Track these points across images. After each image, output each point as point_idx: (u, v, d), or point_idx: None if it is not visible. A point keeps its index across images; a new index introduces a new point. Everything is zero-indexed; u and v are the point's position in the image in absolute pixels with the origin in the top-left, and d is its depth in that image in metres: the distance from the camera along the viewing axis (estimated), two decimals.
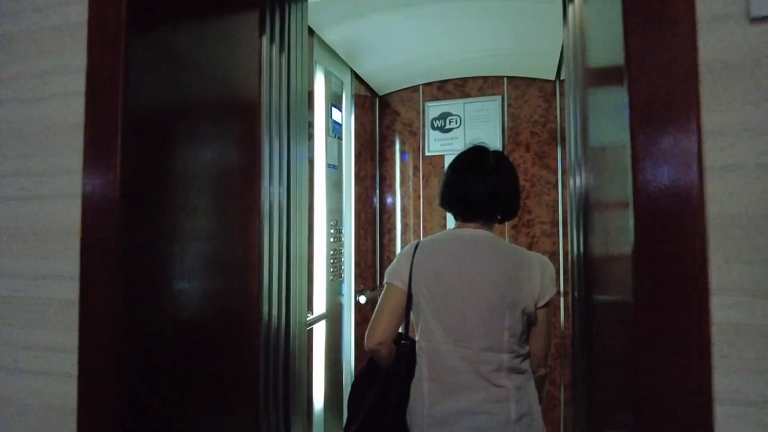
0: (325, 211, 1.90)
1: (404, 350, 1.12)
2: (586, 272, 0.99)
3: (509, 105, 2.46)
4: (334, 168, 2.01)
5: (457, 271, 1.06)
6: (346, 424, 1.18)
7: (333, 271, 1.95)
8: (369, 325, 1.13)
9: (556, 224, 2.35)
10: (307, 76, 1.34)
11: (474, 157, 1.15)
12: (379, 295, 2.48)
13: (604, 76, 0.78)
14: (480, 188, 1.10)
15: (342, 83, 2.13)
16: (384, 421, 1.10)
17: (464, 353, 1.02)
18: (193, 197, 0.87)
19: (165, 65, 0.80)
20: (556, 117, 2.38)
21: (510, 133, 2.45)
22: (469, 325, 1.03)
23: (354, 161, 2.23)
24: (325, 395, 1.86)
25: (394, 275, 1.13)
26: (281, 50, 1.15)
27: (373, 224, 2.55)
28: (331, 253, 1.93)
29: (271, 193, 1.17)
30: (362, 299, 2.19)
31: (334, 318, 1.97)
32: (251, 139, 1.10)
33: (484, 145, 1.20)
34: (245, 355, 1.06)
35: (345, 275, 2.11)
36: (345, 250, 2.12)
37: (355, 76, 2.30)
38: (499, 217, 1.17)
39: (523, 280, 1.05)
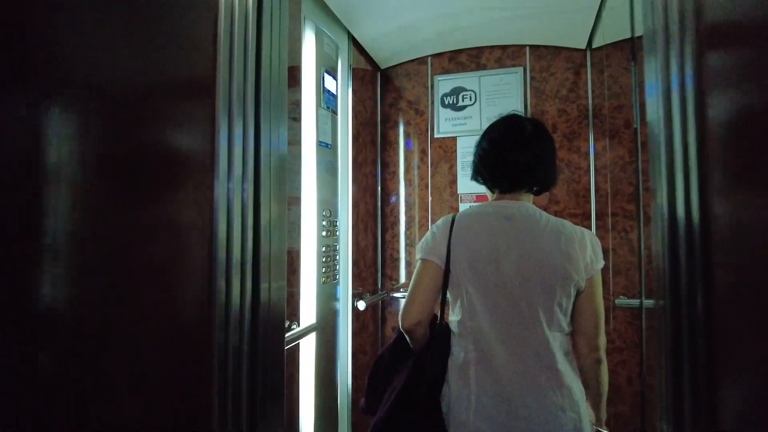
0: (315, 199, 1.56)
1: (439, 331, 1.07)
2: (708, 284, 0.66)
3: (532, 78, 2.12)
4: (327, 147, 1.66)
5: (503, 246, 1.01)
6: (368, 402, 1.14)
7: (325, 272, 1.61)
8: (403, 304, 1.06)
9: (588, 216, 2.01)
10: (287, 27, 0.99)
11: (510, 124, 1.10)
12: (380, 299, 2.13)
13: None
14: (519, 156, 1.05)
15: (337, 47, 1.79)
16: (415, 405, 1.03)
17: (513, 333, 0.97)
18: (108, 190, 0.54)
19: None
20: (587, 92, 2.04)
21: (533, 110, 2.11)
22: (519, 303, 0.98)
23: (352, 142, 1.89)
24: (315, 423, 1.52)
25: (430, 251, 1.06)
26: None
27: (373, 217, 2.21)
28: (323, 250, 1.59)
29: (231, 187, 0.84)
30: (361, 305, 1.85)
31: (326, 329, 1.63)
32: (203, 121, 0.78)
33: (518, 112, 1.16)
34: (191, 386, 0.73)
35: (340, 277, 1.76)
36: (340, 247, 1.78)
37: (354, 42, 1.96)
38: (536, 189, 1.12)
39: (573, 253, 0.98)
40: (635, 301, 1.88)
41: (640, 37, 1.91)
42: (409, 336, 1.06)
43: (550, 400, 0.93)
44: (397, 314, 2.25)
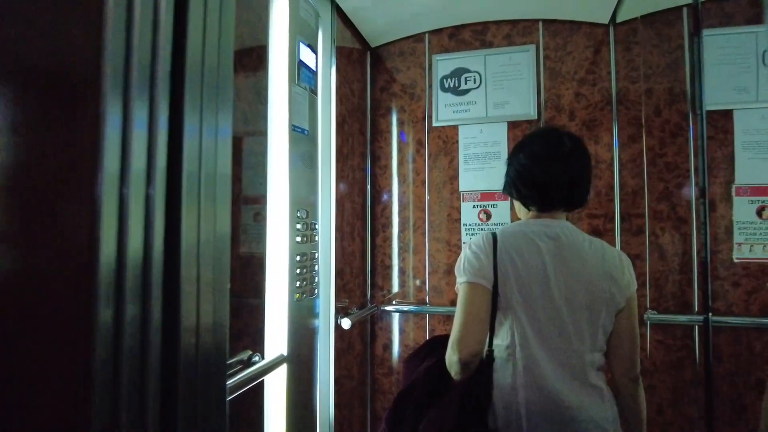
0: (287, 196, 1.26)
1: (488, 357, 1.00)
2: None
3: (546, 58, 1.83)
4: (304, 133, 1.37)
5: (551, 268, 0.99)
6: None
7: (301, 286, 1.31)
8: (456, 334, 0.96)
9: (611, 218, 1.73)
10: None
11: (550, 139, 1.06)
12: (369, 314, 1.88)
13: None
14: (562, 173, 1.03)
15: (317, 15, 1.49)
16: None
17: (561, 357, 0.97)
18: None
19: None
20: (610, 73, 1.76)
21: (548, 95, 1.82)
22: (567, 327, 0.97)
23: (335, 130, 1.59)
24: None
25: (477, 273, 1.00)
26: None
27: (362, 218, 1.92)
28: (298, 259, 1.30)
29: (127, 189, 0.54)
30: (345, 323, 1.55)
31: (301, 354, 1.33)
32: (77, 108, 0.51)
33: (556, 126, 1.19)
34: None
35: (321, 290, 1.47)
36: (320, 255, 1.48)
37: (339, 13, 1.66)
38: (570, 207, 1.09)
39: (615, 274, 1.00)
40: (673, 317, 1.60)
41: (704, 3, 1.63)
42: (463, 367, 0.96)
43: (599, 415, 0.94)
44: (389, 330, 1.96)
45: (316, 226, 1.43)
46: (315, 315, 1.43)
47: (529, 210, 1.08)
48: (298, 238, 1.30)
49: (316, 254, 1.42)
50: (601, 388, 0.97)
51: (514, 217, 1.79)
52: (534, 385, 0.95)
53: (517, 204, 1.13)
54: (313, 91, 1.45)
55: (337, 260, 1.59)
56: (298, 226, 1.31)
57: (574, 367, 0.96)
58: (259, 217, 1.16)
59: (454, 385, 0.99)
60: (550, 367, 0.96)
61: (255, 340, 1.11)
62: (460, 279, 1.01)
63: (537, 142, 1.07)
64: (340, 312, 1.61)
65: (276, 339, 1.21)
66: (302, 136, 1.36)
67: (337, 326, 1.56)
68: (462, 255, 1.04)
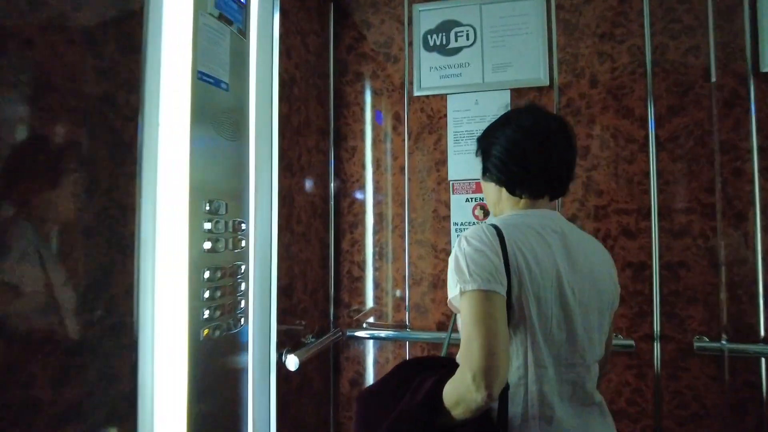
0: (186, 180, 0.82)
1: (503, 390, 0.80)
2: None
3: (559, 7, 1.42)
4: (220, 87, 0.92)
5: (563, 269, 0.83)
6: None
7: (214, 317, 0.87)
8: (479, 363, 0.72)
9: (646, 214, 1.32)
10: None
11: (537, 114, 0.93)
12: (333, 341, 1.55)
13: None
14: (562, 151, 0.90)
15: None
16: None
17: (571, 374, 0.84)
18: None
19: None
20: (643, 26, 1.36)
21: (562, 54, 1.41)
22: (580, 339, 0.84)
23: (278, 91, 1.16)
24: None
25: (490, 277, 0.78)
26: None
27: (322, 216, 1.48)
28: (207, 276, 0.86)
29: None
30: (291, 362, 1.12)
31: (215, 420, 0.89)
32: None
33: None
34: None
35: (253, 317, 1.03)
36: (255, 267, 1.04)
37: None
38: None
39: (613, 271, 0.92)
40: (743, 347, 1.21)
41: None
42: (484, 405, 0.73)
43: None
44: (359, 361, 1.52)
45: (244, 227, 0.99)
46: (240, 353, 0.99)
47: (521, 198, 0.91)
48: (207, 245, 0.86)
49: (244, 267, 0.98)
50: (601, 403, 0.90)
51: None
52: (549, 411, 0.82)
53: (495, 196, 0.94)
54: (242, 33, 1.01)
55: (281, 273, 1.15)
56: (207, 227, 0.86)
57: (582, 386, 0.86)
58: (119, 213, 0.71)
59: (459, 423, 0.78)
60: (560, 389, 0.84)
61: (120, 412, 0.67)
62: (467, 286, 0.77)
63: (525, 117, 0.93)
64: (287, 344, 1.17)
65: (164, 402, 0.77)
66: (218, 92, 0.91)
67: (281, 365, 1.13)
68: (459, 253, 0.81)
